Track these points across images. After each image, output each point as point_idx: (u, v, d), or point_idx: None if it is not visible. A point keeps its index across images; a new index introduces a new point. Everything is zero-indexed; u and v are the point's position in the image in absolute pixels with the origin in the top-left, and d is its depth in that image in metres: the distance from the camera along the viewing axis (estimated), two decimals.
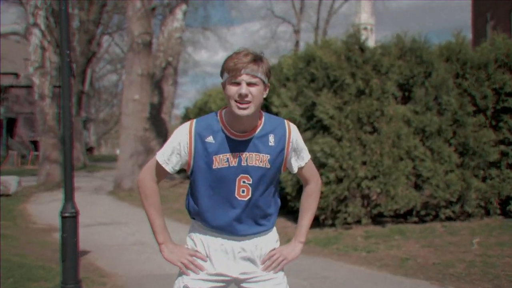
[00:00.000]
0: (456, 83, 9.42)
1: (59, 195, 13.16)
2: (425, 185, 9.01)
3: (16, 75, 48.66)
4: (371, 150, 8.86)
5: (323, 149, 8.74)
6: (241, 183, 2.48)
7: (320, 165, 8.85)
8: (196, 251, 2.58)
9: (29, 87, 38.42)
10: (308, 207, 2.77)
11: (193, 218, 2.63)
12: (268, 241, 2.64)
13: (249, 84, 2.35)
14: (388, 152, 8.89)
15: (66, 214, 5.53)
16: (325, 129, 9.06)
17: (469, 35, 23.62)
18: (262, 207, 2.57)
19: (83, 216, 8.49)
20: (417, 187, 9.16)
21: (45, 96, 21.05)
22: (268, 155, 2.50)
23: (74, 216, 5.58)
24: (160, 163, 2.53)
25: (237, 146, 2.46)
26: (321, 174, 8.82)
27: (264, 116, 2.56)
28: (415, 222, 9.21)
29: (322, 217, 9.06)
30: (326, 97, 8.98)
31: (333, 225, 9.11)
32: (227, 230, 2.53)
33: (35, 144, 41.77)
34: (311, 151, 8.90)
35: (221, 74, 2.43)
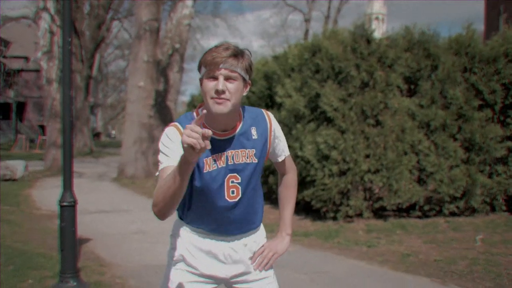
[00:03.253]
0: (464, 77, 9.29)
1: None
2: (429, 180, 8.93)
3: (26, 59, 48.77)
4: (375, 143, 8.78)
5: (326, 141, 8.67)
6: (230, 184, 2.38)
7: (323, 157, 8.79)
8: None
9: (38, 71, 38.54)
10: (289, 197, 2.70)
11: (180, 218, 2.53)
12: (256, 239, 2.58)
13: (227, 79, 2.20)
14: (391, 146, 8.81)
15: (65, 203, 5.50)
16: (329, 121, 8.98)
17: (482, 27, 23.40)
18: (251, 205, 2.49)
19: (85, 203, 8.57)
20: (421, 181, 9.08)
21: (53, 81, 21.09)
22: (254, 149, 2.40)
23: (73, 205, 5.55)
24: (168, 163, 2.24)
25: (221, 145, 2.34)
26: (323, 167, 8.77)
27: (243, 110, 2.45)
28: (418, 217, 9.14)
29: (324, 209, 9.02)
30: (331, 88, 8.90)
31: (334, 218, 9.06)
32: (216, 231, 2.46)
33: (43, 129, 41.93)
34: (314, 143, 8.86)
35: (199, 69, 2.29)
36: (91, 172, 19.62)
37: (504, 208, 9.29)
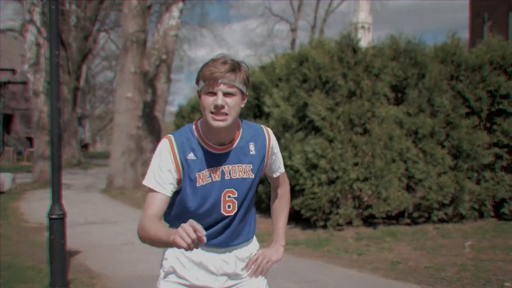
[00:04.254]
0: (450, 85, 9.39)
1: None
2: (418, 187, 8.99)
3: (13, 71, 48.50)
4: (363, 151, 8.82)
5: (314, 150, 8.70)
6: (226, 198, 2.36)
7: (312, 166, 8.81)
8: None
9: (25, 83, 38.34)
10: (282, 208, 2.71)
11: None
12: (249, 251, 2.56)
13: (226, 94, 2.20)
14: (380, 154, 8.86)
15: (54, 216, 5.49)
16: (317, 130, 9.02)
17: (467, 36, 23.58)
18: (245, 219, 2.49)
19: (74, 214, 8.53)
20: (409, 189, 9.13)
21: (40, 93, 21.01)
22: (251, 165, 2.39)
23: (62, 218, 5.53)
24: (156, 189, 2.28)
25: (218, 160, 2.33)
26: (312, 176, 8.80)
27: (242, 124, 2.44)
28: (407, 224, 9.19)
29: (314, 218, 9.04)
30: (318, 97, 8.94)
31: (324, 226, 9.08)
32: (208, 244, 2.41)
33: (31, 141, 41.67)
34: (302, 152, 8.89)
35: (197, 82, 2.28)
36: (79, 184, 19.52)
37: (492, 214, 9.37)
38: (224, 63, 2.20)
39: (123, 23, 18.69)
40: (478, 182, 9.32)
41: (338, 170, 8.70)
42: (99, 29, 38.32)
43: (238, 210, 2.40)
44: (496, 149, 9.27)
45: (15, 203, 14.20)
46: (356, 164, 8.88)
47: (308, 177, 8.89)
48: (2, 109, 46.28)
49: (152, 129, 19.19)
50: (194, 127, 2.38)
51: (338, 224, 9.04)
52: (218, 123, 2.21)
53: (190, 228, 1.91)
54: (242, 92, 2.28)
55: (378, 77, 9.24)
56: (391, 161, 8.89)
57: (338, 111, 8.89)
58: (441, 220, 9.23)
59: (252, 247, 2.59)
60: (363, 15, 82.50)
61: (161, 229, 2.15)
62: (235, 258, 2.49)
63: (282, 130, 9.86)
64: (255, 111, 11.64)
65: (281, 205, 2.71)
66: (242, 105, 2.32)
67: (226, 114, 2.21)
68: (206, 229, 2.31)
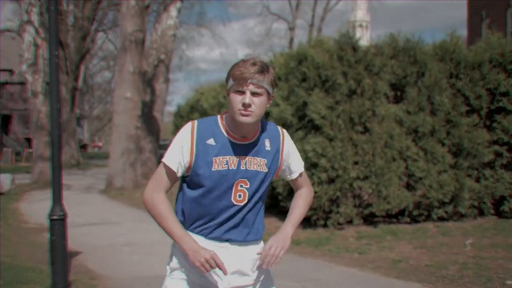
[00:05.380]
0: (449, 83, 9.38)
1: None
2: (418, 185, 8.98)
3: (11, 71, 48.47)
4: (363, 150, 8.82)
5: (314, 149, 8.69)
6: (239, 188, 2.46)
7: (312, 165, 8.81)
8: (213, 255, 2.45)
9: (23, 83, 38.33)
10: (299, 205, 2.71)
11: (181, 223, 2.53)
12: (256, 251, 2.56)
13: (254, 94, 2.34)
14: (380, 153, 8.85)
15: (54, 217, 5.48)
16: (317, 128, 9.01)
17: (465, 33, 23.58)
18: (254, 214, 2.54)
19: (74, 215, 8.53)
20: (410, 187, 9.13)
21: (38, 93, 21.00)
22: (265, 159, 2.51)
23: (63, 219, 5.53)
24: (171, 166, 2.46)
25: (237, 149, 2.46)
26: (312, 174, 8.79)
27: (262, 122, 2.56)
28: (407, 222, 9.18)
29: (314, 217, 9.03)
30: (318, 96, 8.93)
31: (325, 225, 9.07)
32: (211, 234, 2.49)
33: (29, 141, 41.65)
34: (302, 151, 8.87)
35: (227, 81, 2.43)
36: (78, 184, 19.50)
37: (492, 212, 9.37)
38: (254, 64, 2.35)
39: (121, 23, 18.67)
40: (478, 180, 9.32)
41: (338, 169, 8.69)
42: (97, 29, 38.33)
43: (248, 202, 2.49)
44: (496, 147, 9.26)
45: (15, 204, 14.19)
46: (356, 163, 8.87)
47: (308, 176, 8.87)
48: (0, 110, 46.25)
49: (151, 129, 19.18)
50: (219, 118, 2.52)
51: (339, 223, 9.04)
52: (245, 118, 2.36)
53: (212, 261, 2.32)
54: (268, 93, 2.41)
55: (378, 75, 9.24)
56: (391, 160, 8.88)
57: (338, 110, 8.88)
58: (441, 218, 9.23)
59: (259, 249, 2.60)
60: (360, 14, 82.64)
61: (172, 222, 2.44)
62: (242, 257, 2.52)
63: None
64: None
65: (299, 202, 2.73)
66: (268, 105, 2.46)
67: (252, 112, 2.35)
68: (213, 218, 2.47)
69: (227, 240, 2.49)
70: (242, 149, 2.46)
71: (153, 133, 19.41)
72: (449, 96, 9.28)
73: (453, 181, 9.02)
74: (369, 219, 9.28)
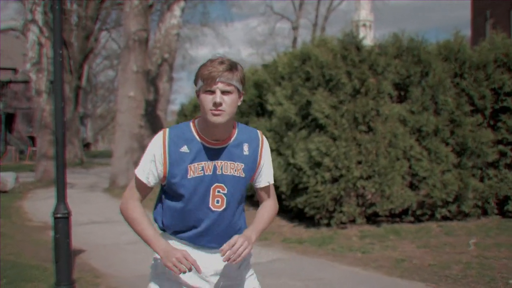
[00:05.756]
0: (454, 83, 9.37)
1: None
2: (422, 184, 8.98)
3: (15, 70, 48.52)
4: (367, 149, 8.81)
5: (318, 148, 8.69)
6: (216, 193, 2.44)
7: (316, 164, 8.81)
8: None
9: (27, 82, 38.35)
10: (264, 218, 2.60)
11: (163, 230, 2.56)
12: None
13: (224, 92, 2.32)
14: (383, 152, 8.85)
15: (59, 215, 5.49)
16: (320, 128, 9.02)
17: (468, 33, 23.56)
18: (234, 219, 2.52)
19: (77, 214, 8.53)
20: (413, 186, 9.12)
21: (42, 92, 21.05)
22: (243, 164, 2.48)
23: (67, 217, 5.54)
24: (141, 179, 2.47)
25: (212, 154, 2.43)
26: (316, 174, 8.79)
27: (238, 125, 2.54)
28: (410, 222, 9.18)
29: (317, 216, 9.03)
30: (322, 96, 8.93)
31: (328, 224, 9.08)
32: (198, 242, 2.48)
33: (33, 140, 41.70)
34: (306, 150, 8.88)
35: (195, 82, 2.41)
36: (82, 183, 19.53)
37: (496, 211, 9.36)
38: (222, 62, 2.33)
39: (124, 22, 18.67)
40: (481, 180, 9.31)
41: (342, 168, 8.69)
42: (101, 28, 38.30)
43: (226, 207, 2.46)
44: (501, 147, 9.25)
45: (19, 202, 14.23)
46: (359, 162, 8.87)
47: (312, 175, 8.88)
48: (4, 108, 46.33)
49: (155, 128, 19.17)
50: (191, 123, 2.49)
51: (342, 222, 9.04)
52: (216, 118, 2.33)
53: (184, 260, 2.28)
54: (238, 90, 2.39)
55: (382, 75, 9.23)
56: (395, 159, 8.88)
57: (342, 109, 8.88)
58: (445, 218, 9.22)
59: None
60: (364, 13, 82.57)
61: (145, 225, 2.44)
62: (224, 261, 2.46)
63: (285, 128, 9.86)
64: (257, 109, 11.63)
65: (265, 212, 2.64)
66: (239, 103, 2.43)
67: (224, 111, 2.32)
68: (195, 226, 2.44)
69: (208, 246, 2.48)
70: (217, 153, 2.43)
71: (156, 131, 19.34)
72: (453, 96, 9.27)
73: (457, 180, 9.01)
74: (372, 219, 9.28)
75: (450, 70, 9.41)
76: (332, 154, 8.66)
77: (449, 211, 9.15)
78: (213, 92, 2.31)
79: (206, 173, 2.40)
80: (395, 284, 6.07)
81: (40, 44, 20.84)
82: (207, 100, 2.32)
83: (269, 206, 2.68)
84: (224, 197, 2.44)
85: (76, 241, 7.62)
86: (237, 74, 2.35)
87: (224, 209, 2.45)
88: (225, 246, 2.33)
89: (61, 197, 5.56)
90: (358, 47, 9.39)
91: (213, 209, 2.44)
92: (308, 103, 9.22)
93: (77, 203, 12.89)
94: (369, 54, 9.26)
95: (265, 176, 2.61)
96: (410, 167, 9.02)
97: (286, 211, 10.02)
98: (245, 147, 2.49)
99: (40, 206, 13.00)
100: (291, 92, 9.90)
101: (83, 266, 7.10)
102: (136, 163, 17.38)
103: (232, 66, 2.34)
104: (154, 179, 2.47)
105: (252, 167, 2.52)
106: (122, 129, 17.85)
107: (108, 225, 10.69)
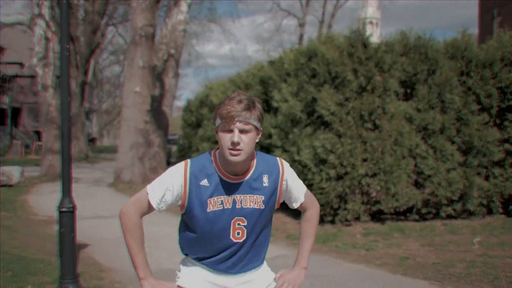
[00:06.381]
0: (460, 81, 9.34)
1: None
2: (427, 183, 8.97)
3: (21, 65, 48.65)
4: (372, 147, 8.80)
5: (324, 145, 8.69)
6: (236, 226, 2.47)
7: (321, 161, 8.81)
8: (178, 286, 2.55)
9: (33, 77, 38.45)
10: (309, 232, 2.75)
11: (186, 254, 2.62)
12: (260, 274, 2.63)
13: (242, 131, 2.34)
14: (389, 150, 8.84)
15: (64, 209, 5.50)
16: (326, 125, 9.01)
17: (476, 32, 23.48)
18: (255, 247, 2.56)
19: (82, 208, 8.58)
20: (418, 185, 9.11)
21: (48, 87, 21.08)
22: (263, 196, 2.49)
23: (72, 211, 5.55)
24: (152, 203, 2.47)
25: (231, 188, 2.45)
26: (321, 171, 8.79)
27: (257, 156, 2.55)
28: (415, 220, 9.17)
29: (322, 213, 9.03)
30: (328, 93, 8.92)
31: (332, 221, 9.08)
32: (218, 268, 2.52)
33: (38, 134, 41.83)
34: (311, 147, 8.87)
35: (214, 119, 2.42)
36: (87, 178, 19.58)
37: (500, 210, 9.34)
38: (240, 101, 2.35)
39: (131, 17, 18.68)
40: (487, 178, 9.29)
41: (347, 166, 8.68)
42: (107, 23, 38.34)
43: (247, 237, 2.50)
44: (507, 145, 9.22)
45: (24, 196, 14.26)
46: (365, 160, 8.86)
47: (317, 172, 8.88)
48: (10, 103, 46.44)
49: (160, 123, 19.19)
50: (212, 156, 2.51)
51: (346, 220, 9.04)
52: (234, 158, 2.35)
53: None
54: (256, 128, 2.40)
55: (388, 72, 9.21)
56: (400, 157, 8.86)
57: (348, 107, 8.86)
58: (450, 216, 9.21)
59: (263, 271, 2.66)
60: (371, 11, 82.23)
61: (140, 250, 2.50)
62: (244, 280, 2.57)
63: (290, 125, 9.85)
64: (263, 106, 11.61)
65: (309, 228, 2.76)
66: (257, 140, 2.45)
67: (242, 150, 2.35)
68: (215, 254, 2.50)
69: (228, 272, 2.53)
70: (236, 187, 2.45)
71: (162, 127, 19.41)
72: (460, 94, 9.24)
73: (462, 179, 8.99)
74: (377, 216, 9.28)
75: (457, 68, 9.38)
76: (337, 152, 8.65)
77: (454, 209, 9.14)
78: (231, 131, 2.33)
79: (225, 207, 2.43)
80: (399, 281, 6.07)
81: (47, 39, 20.86)
82: (226, 139, 2.34)
83: (311, 217, 2.75)
84: (245, 229, 2.48)
85: (81, 235, 7.66)
86: (254, 113, 2.36)
87: (245, 240, 2.50)
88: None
89: (66, 191, 5.57)
90: (365, 44, 9.37)
91: (234, 241, 2.48)
92: (314, 100, 9.21)
93: (82, 197, 12.94)
94: (376, 52, 9.24)
95: (296, 197, 2.66)
96: (415, 165, 9.01)
97: (290, 208, 9.99)
98: (265, 179, 2.50)
99: (45, 200, 13.04)
100: (297, 89, 9.89)
101: (87, 260, 7.12)
102: (141, 158, 17.50)
103: (250, 105, 2.36)
104: (165, 207, 2.49)
105: (272, 197, 2.54)
106: (127, 124, 17.87)
107: (112, 219, 10.70)
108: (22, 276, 6.07)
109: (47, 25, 20.79)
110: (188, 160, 2.51)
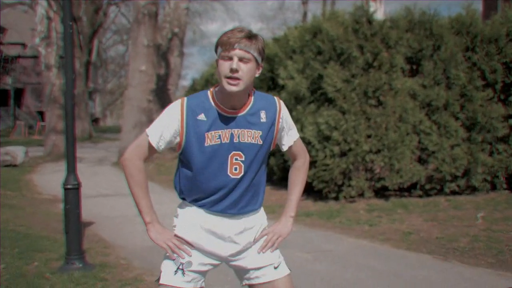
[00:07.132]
0: (465, 57, 9.28)
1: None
2: (431, 159, 8.96)
3: (23, 45, 48.51)
4: (376, 123, 8.79)
5: (327, 122, 8.68)
6: (234, 160, 2.44)
7: (324, 138, 8.80)
8: (182, 239, 2.53)
9: (36, 57, 38.38)
10: (297, 181, 2.74)
11: (183, 198, 2.58)
12: (256, 220, 2.60)
13: (241, 59, 2.31)
14: (393, 126, 8.82)
15: (69, 186, 5.54)
16: (330, 102, 8.99)
17: (480, 7, 23.27)
18: (253, 186, 2.53)
19: (86, 187, 8.60)
20: (422, 161, 9.11)
21: (51, 67, 21.03)
22: (260, 131, 2.47)
23: (77, 188, 5.58)
24: (152, 142, 2.47)
25: (229, 122, 2.42)
26: (325, 147, 8.79)
27: (255, 93, 2.53)
28: (419, 196, 9.18)
29: (326, 190, 9.05)
30: (334, 69, 8.88)
31: (336, 198, 9.10)
32: (215, 209, 2.49)
33: (42, 115, 41.85)
34: (315, 123, 8.87)
35: (215, 50, 2.39)
36: (91, 157, 19.63)
37: (504, 186, 9.34)
38: (241, 31, 2.34)
39: None
40: (491, 154, 9.28)
41: (351, 142, 8.68)
42: (109, 2, 38.14)
43: (245, 174, 2.47)
44: (511, 121, 9.19)
45: (28, 176, 14.34)
46: (369, 136, 8.85)
47: (320, 149, 8.88)
48: (13, 84, 46.42)
49: (163, 103, 19.20)
50: (209, 92, 2.49)
51: (350, 196, 9.06)
52: (231, 87, 2.32)
53: (176, 248, 2.47)
54: (256, 61, 2.38)
55: (394, 48, 9.16)
56: (404, 133, 8.85)
57: (354, 83, 8.83)
58: (453, 192, 9.22)
59: (260, 217, 2.63)
60: None
61: (145, 193, 2.49)
62: (243, 226, 2.53)
63: (294, 102, 9.83)
64: (269, 83, 11.57)
65: (297, 177, 2.75)
66: (257, 75, 2.43)
67: (239, 79, 2.31)
68: (213, 193, 2.46)
69: (226, 212, 2.49)
70: (234, 121, 2.43)
71: (165, 106, 19.43)
72: (465, 70, 9.19)
73: (466, 155, 8.98)
74: (381, 193, 9.29)
75: (462, 44, 9.31)
76: (341, 128, 8.65)
77: (458, 185, 9.14)
78: (230, 59, 2.31)
79: (223, 141, 2.41)
80: (402, 256, 6.10)
81: (49, 18, 20.76)
82: (224, 66, 2.32)
83: (300, 166, 2.74)
84: (242, 164, 2.45)
85: (86, 213, 7.68)
86: (256, 44, 2.34)
87: (242, 176, 2.47)
88: (257, 237, 2.55)
89: (71, 168, 5.60)
90: (370, 21, 9.31)
91: (232, 176, 2.45)
92: (320, 77, 9.17)
93: (86, 176, 12.97)
94: (381, 28, 9.18)
95: (288, 137, 2.63)
96: (419, 141, 8.99)
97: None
98: (262, 114, 2.49)
99: (49, 180, 13.10)
100: (303, 66, 9.84)
101: (93, 237, 7.17)
102: None
103: (252, 36, 2.33)
104: (164, 145, 2.48)
105: (269, 133, 2.51)
106: (131, 103, 17.87)
107: (117, 198, 10.77)
108: (28, 253, 6.12)
109: (49, 5, 20.68)
110: (184, 97, 2.50)
